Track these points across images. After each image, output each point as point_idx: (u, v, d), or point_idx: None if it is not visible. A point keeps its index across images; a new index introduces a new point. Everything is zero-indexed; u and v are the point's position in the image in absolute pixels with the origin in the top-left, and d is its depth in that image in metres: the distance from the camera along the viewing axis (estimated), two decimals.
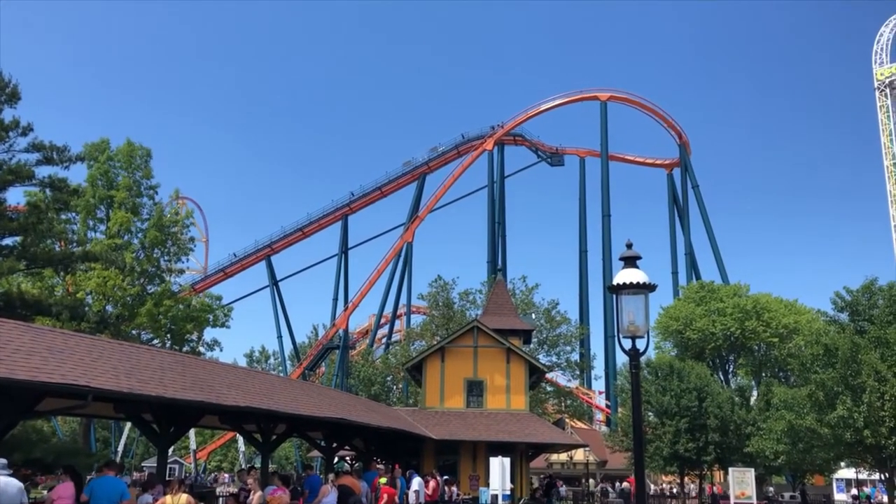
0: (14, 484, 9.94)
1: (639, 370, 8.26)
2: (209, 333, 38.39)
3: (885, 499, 34.21)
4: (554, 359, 50.26)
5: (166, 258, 36.40)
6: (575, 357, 52.00)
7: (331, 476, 16.34)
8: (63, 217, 30.55)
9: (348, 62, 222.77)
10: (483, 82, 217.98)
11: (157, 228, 34.85)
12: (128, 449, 66.35)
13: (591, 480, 50.03)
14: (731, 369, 53.40)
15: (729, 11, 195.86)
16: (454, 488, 25.42)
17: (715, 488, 44.53)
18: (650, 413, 39.30)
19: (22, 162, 24.57)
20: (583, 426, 57.82)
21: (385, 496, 17.25)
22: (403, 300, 71.53)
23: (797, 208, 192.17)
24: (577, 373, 55.21)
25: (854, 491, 43.15)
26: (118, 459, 57.10)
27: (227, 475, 65.84)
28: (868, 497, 42.25)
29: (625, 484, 49.31)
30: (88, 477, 17.52)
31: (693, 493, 43.93)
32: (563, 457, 49.84)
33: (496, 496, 22.98)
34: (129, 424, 50.81)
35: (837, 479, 45.75)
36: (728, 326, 48.48)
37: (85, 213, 33.95)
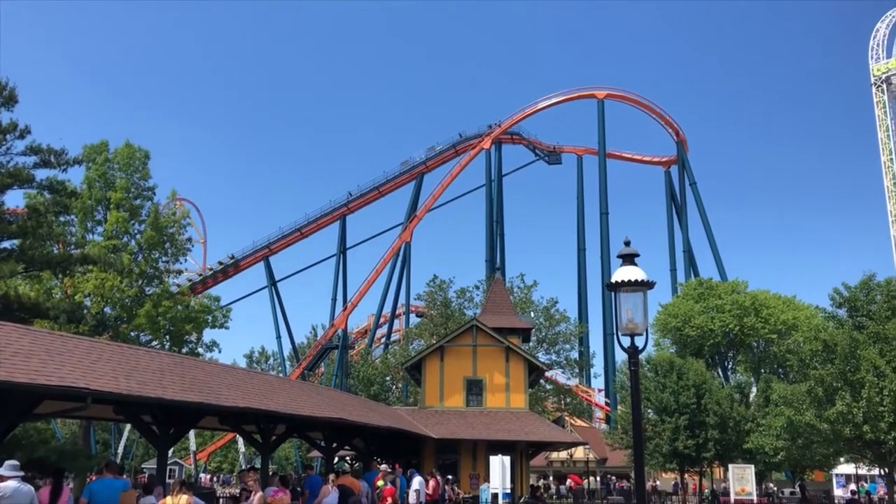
0: (25, 491, 9.18)
1: (638, 367, 8.28)
2: (208, 334, 38.39)
3: (886, 494, 34.25)
4: (553, 357, 50.36)
5: (164, 259, 36.38)
6: (574, 355, 52.11)
7: (331, 476, 16.34)
8: (62, 219, 30.50)
9: (344, 62, 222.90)
10: (480, 81, 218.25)
11: (153, 229, 34.82)
12: (128, 450, 66.29)
13: (591, 478, 49.97)
14: (730, 366, 53.49)
15: (724, 8, 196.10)
16: (455, 487, 25.45)
17: (714, 485, 44.54)
18: (649, 410, 39.31)
19: (20, 165, 24.53)
20: (582, 424, 57.89)
21: (388, 499, 17.29)
22: (402, 300, 71.56)
23: (795, 204, 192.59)
24: (577, 371, 55.31)
25: (853, 486, 43.11)
26: (118, 461, 57.12)
27: (207, 476, 65.88)
28: (868, 492, 42.24)
29: (568, 481, 48.68)
30: (90, 477, 17.51)
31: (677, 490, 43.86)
32: (563, 455, 49.95)
33: (496, 495, 23.02)
34: (128, 426, 50.82)
35: (837, 475, 45.75)
36: (727, 323, 48.57)
37: (82, 215, 33.91)
